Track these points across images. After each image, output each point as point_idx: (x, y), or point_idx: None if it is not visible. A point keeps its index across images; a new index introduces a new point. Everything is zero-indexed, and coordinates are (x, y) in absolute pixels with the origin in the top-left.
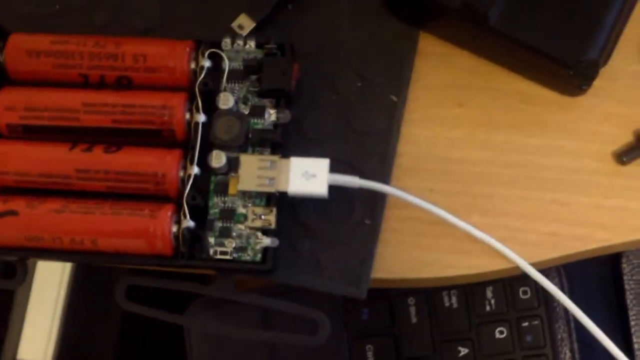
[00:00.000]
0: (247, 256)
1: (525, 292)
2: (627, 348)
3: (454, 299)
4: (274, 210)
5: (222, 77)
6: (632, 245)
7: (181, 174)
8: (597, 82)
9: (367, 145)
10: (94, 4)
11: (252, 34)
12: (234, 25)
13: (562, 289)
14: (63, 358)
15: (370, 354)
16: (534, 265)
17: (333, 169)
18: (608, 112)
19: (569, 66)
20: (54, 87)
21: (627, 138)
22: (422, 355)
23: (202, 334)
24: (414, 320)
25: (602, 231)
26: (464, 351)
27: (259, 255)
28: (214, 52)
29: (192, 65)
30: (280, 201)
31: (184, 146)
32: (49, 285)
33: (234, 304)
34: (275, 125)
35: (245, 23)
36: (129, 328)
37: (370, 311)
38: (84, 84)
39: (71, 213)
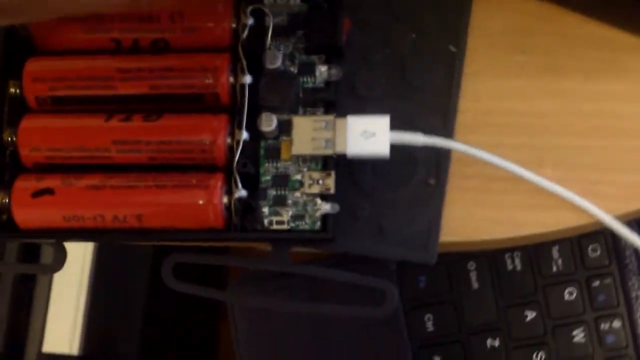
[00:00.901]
0: (305, 225)
1: (594, 250)
2: None
3: (517, 261)
4: (333, 173)
5: (267, 34)
6: None
7: (229, 140)
8: None
9: (426, 101)
10: None
11: None
12: None
13: None
14: (90, 347)
15: (430, 324)
16: (615, 218)
17: (392, 127)
18: None
19: None
20: (85, 55)
21: None
22: (486, 322)
23: (245, 312)
24: (475, 285)
25: None
26: (531, 315)
27: (318, 223)
28: (256, 7)
29: (234, 24)
30: (337, 164)
31: (230, 111)
32: (72, 273)
33: (278, 279)
34: (327, 83)
35: None
36: (154, 313)
37: (428, 279)
38: (116, 49)
39: (112, 188)
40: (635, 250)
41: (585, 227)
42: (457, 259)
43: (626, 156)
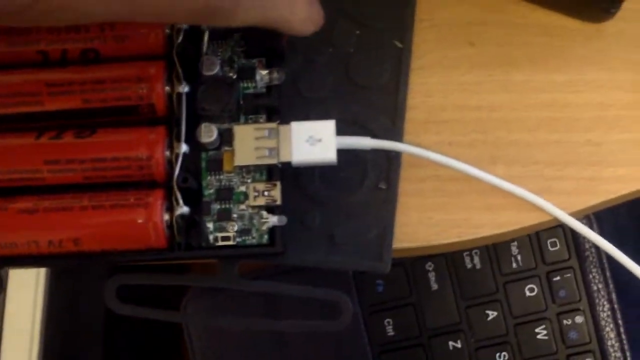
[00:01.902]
0: (252, 239)
1: (553, 244)
2: None
3: (476, 260)
4: (278, 184)
5: (203, 39)
6: None
7: (167, 153)
8: (625, 4)
9: (373, 100)
10: None
11: None
12: None
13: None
14: None
15: (390, 328)
16: (571, 215)
17: (339, 130)
18: (639, 36)
19: None
20: (10, 70)
21: None
22: (447, 323)
23: (200, 329)
24: (434, 286)
25: None
26: (492, 314)
27: (266, 237)
28: None
29: (167, 29)
30: (283, 173)
31: (167, 122)
32: (25, 292)
33: (233, 290)
34: (269, 87)
35: None
36: (115, 326)
37: (386, 282)
38: (44, 62)
39: (45, 212)
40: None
41: (543, 224)
42: (415, 260)
43: (580, 149)
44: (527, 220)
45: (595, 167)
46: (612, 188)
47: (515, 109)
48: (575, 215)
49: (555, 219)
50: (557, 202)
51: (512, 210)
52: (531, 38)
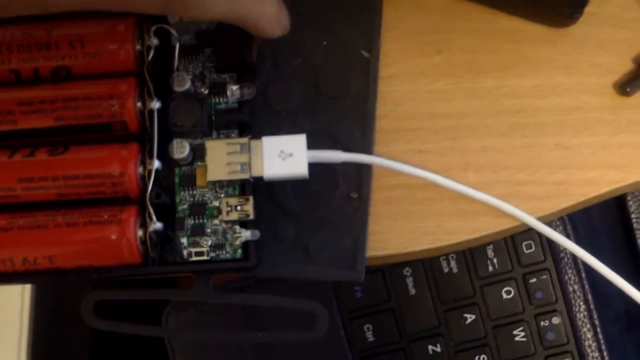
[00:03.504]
0: (226, 254)
1: (529, 246)
2: None
3: (453, 264)
4: (251, 199)
5: (174, 55)
6: None
7: (140, 170)
8: (587, 8)
9: (343, 110)
10: None
11: None
12: None
13: (568, 237)
14: None
15: (370, 334)
16: (542, 219)
17: (309, 142)
18: (603, 40)
19: None
20: None
21: (627, 66)
22: (426, 328)
23: (184, 340)
24: (412, 291)
25: (613, 171)
26: (471, 317)
27: (240, 251)
28: (160, 27)
29: (138, 46)
30: (255, 187)
31: (140, 138)
32: (10, 309)
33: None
34: (240, 102)
35: None
36: (101, 341)
37: (364, 288)
38: (16, 80)
39: (19, 230)
40: None
41: (514, 229)
42: (392, 266)
43: (549, 153)
44: (498, 226)
45: (565, 170)
46: (582, 191)
47: (485, 116)
48: (547, 218)
49: (524, 224)
50: (528, 207)
51: (483, 216)
52: (498, 44)
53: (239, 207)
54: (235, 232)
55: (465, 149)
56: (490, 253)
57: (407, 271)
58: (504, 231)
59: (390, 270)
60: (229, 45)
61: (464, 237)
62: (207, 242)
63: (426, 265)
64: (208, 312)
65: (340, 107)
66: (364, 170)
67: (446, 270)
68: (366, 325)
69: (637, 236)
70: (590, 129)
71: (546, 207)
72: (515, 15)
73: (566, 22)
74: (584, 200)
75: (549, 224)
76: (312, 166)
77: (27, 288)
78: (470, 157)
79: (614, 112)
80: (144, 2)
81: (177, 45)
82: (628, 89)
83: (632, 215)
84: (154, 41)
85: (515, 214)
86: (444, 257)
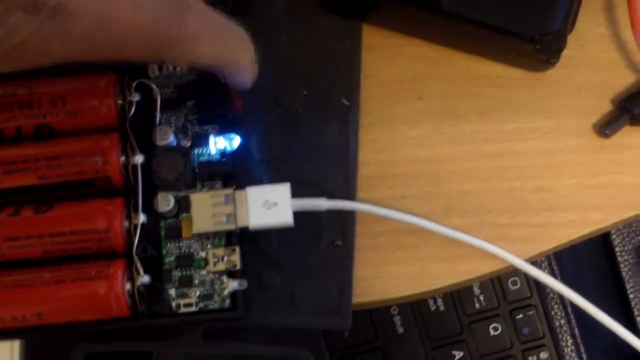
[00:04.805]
0: (214, 304)
1: (514, 283)
2: (629, 321)
3: (440, 302)
4: (237, 249)
5: (155, 109)
6: (628, 222)
7: (126, 224)
8: (565, 52)
9: (325, 159)
10: None
11: None
12: None
13: (553, 274)
14: None
15: None
16: (527, 260)
17: (293, 190)
18: (581, 82)
19: (534, 41)
20: None
21: (605, 107)
22: None
23: None
24: (400, 330)
25: (595, 212)
26: (459, 354)
27: (228, 301)
28: (141, 82)
29: (119, 101)
30: (241, 237)
31: (124, 193)
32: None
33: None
34: (223, 153)
35: None
36: None
37: (352, 328)
38: None
39: (7, 288)
40: None
41: (499, 271)
42: (380, 306)
43: (531, 196)
44: (483, 269)
45: (548, 212)
46: (565, 233)
47: (466, 160)
48: (532, 259)
49: (510, 266)
50: (512, 249)
51: (468, 260)
52: (477, 89)
53: (225, 258)
54: (222, 283)
55: (448, 193)
56: (476, 290)
57: (394, 310)
58: (489, 273)
59: (377, 310)
60: (209, 97)
61: (449, 281)
62: (195, 293)
63: (413, 304)
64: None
65: (322, 155)
66: (347, 218)
67: (433, 308)
68: None
69: (622, 269)
70: (571, 170)
71: (531, 249)
72: (493, 61)
73: (544, 67)
74: (568, 241)
75: (533, 260)
76: (297, 215)
77: (16, 343)
78: (454, 202)
79: (594, 153)
80: (136, 51)
81: (159, 99)
82: (607, 131)
83: (617, 249)
84: (136, 96)
85: (501, 256)
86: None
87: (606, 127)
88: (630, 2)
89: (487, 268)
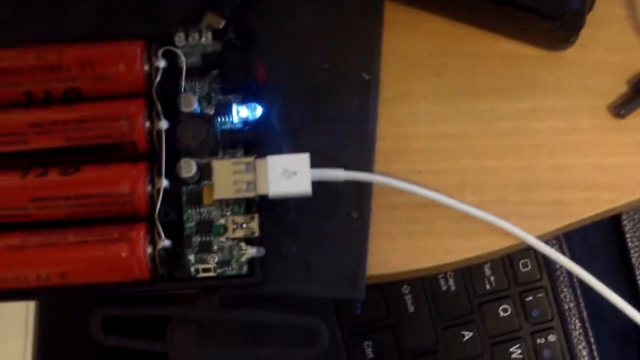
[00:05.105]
0: (232, 270)
1: (525, 265)
2: (637, 306)
3: (451, 282)
4: (256, 216)
5: (181, 77)
6: (639, 203)
7: (149, 188)
8: (582, 32)
9: (344, 131)
10: (22, 15)
11: (209, 27)
12: (202, 27)
13: (564, 255)
14: None
15: (369, 351)
16: (540, 237)
17: (311, 161)
18: (598, 63)
19: (553, 18)
20: None
21: (621, 88)
22: (425, 344)
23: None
24: (411, 309)
25: (607, 192)
26: (468, 335)
27: (245, 268)
28: (168, 49)
29: (146, 67)
30: (261, 205)
31: (149, 158)
32: (14, 327)
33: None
34: (245, 122)
35: (214, 22)
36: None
37: (364, 305)
38: (28, 101)
39: (33, 247)
40: None
41: (512, 247)
42: (392, 283)
43: (545, 174)
44: (496, 245)
45: (561, 190)
46: (578, 210)
47: (482, 137)
48: (544, 237)
49: (523, 242)
50: (525, 226)
51: (481, 235)
52: (495, 68)
53: (244, 225)
54: (241, 249)
55: (463, 169)
56: (487, 271)
57: (405, 289)
58: (502, 249)
59: (389, 288)
60: (233, 67)
61: (462, 256)
62: (214, 259)
63: (425, 283)
64: (211, 327)
65: (341, 128)
66: (364, 190)
67: (444, 288)
68: (366, 342)
69: (632, 255)
70: (586, 150)
71: (544, 226)
72: (511, 39)
73: (562, 46)
74: (580, 220)
75: (545, 242)
76: (315, 186)
77: (31, 305)
78: (468, 178)
79: (608, 133)
80: None
81: (184, 67)
82: (622, 112)
83: (627, 235)
84: (162, 63)
85: (514, 233)
86: (442, 275)
87: (621, 108)
88: None
89: (500, 244)
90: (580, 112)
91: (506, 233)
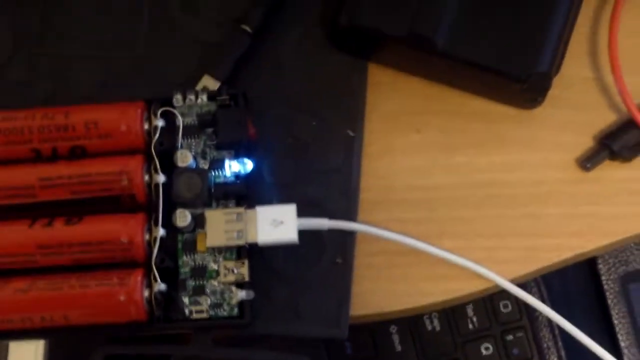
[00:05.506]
0: (223, 312)
1: (506, 306)
2: (613, 348)
3: (435, 322)
4: (246, 262)
5: (178, 135)
6: (606, 249)
7: (147, 237)
8: (551, 92)
9: (330, 183)
10: (32, 77)
11: (205, 90)
12: (198, 89)
13: (542, 298)
14: None
15: None
16: (512, 281)
17: (299, 211)
18: (566, 121)
19: (520, 81)
20: (6, 165)
21: (587, 144)
22: None
23: None
24: (398, 348)
25: (575, 239)
26: None
27: (236, 310)
28: (166, 110)
29: (146, 126)
30: (250, 252)
31: (147, 209)
32: None
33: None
34: (237, 176)
35: (209, 84)
36: None
37: (353, 345)
38: (36, 157)
39: (38, 291)
40: None
41: (485, 291)
42: (380, 324)
43: (518, 222)
44: (469, 287)
45: (532, 237)
46: (547, 256)
47: (459, 189)
48: (518, 280)
49: (497, 286)
50: (500, 270)
51: (458, 279)
52: (471, 124)
53: (235, 270)
54: (232, 292)
55: (441, 218)
56: (470, 312)
57: (393, 328)
58: (477, 292)
59: (377, 328)
60: (227, 126)
61: (438, 298)
62: (206, 301)
63: (411, 323)
64: None
65: (327, 180)
66: (348, 238)
67: (429, 328)
68: None
69: (608, 297)
70: (555, 200)
71: (515, 270)
72: (485, 98)
73: (531, 105)
74: (550, 264)
75: (525, 286)
76: (302, 234)
77: (40, 345)
78: (446, 227)
79: (576, 185)
80: None
81: (181, 126)
82: (588, 165)
83: (602, 277)
84: (160, 122)
85: (487, 276)
86: (427, 316)
87: (588, 162)
88: (611, 50)
89: (474, 287)
90: (550, 165)
91: (480, 277)
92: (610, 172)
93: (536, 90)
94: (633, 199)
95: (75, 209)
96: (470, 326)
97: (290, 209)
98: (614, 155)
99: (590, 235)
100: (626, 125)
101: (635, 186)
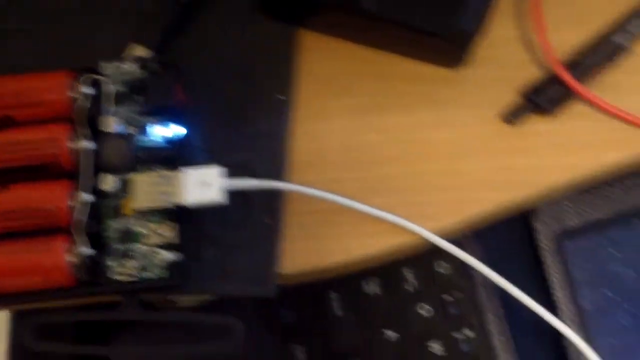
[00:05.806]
0: (151, 274)
1: (440, 266)
2: (549, 303)
3: (372, 286)
4: (174, 224)
5: (103, 102)
6: (531, 201)
7: (71, 203)
8: (479, 52)
9: (260, 147)
10: None
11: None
12: (126, 56)
13: (478, 257)
14: None
15: (302, 356)
16: (438, 233)
17: (230, 174)
18: (493, 78)
19: (443, 39)
20: None
21: (512, 99)
22: (354, 347)
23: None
24: (338, 313)
25: (496, 192)
26: (394, 336)
27: (166, 272)
28: (97, 79)
29: (74, 94)
30: (178, 214)
31: (74, 176)
32: None
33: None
34: (168, 141)
35: (141, 53)
36: None
37: (294, 313)
38: None
39: None
40: None
41: (416, 245)
42: (319, 291)
43: (439, 178)
44: (399, 242)
45: (456, 191)
46: (471, 208)
47: (390, 148)
48: (441, 233)
49: (423, 238)
50: (425, 224)
51: (385, 234)
52: (401, 85)
53: (163, 233)
54: (159, 255)
55: (372, 177)
56: (408, 275)
57: (332, 295)
58: (405, 246)
59: (317, 295)
60: (156, 92)
61: (367, 251)
62: (133, 264)
63: (349, 288)
64: (155, 332)
65: (258, 144)
66: (276, 199)
67: (368, 291)
68: (298, 347)
69: (542, 254)
70: (480, 154)
71: (442, 224)
72: (415, 59)
73: (458, 63)
74: (474, 216)
75: (459, 244)
76: (231, 196)
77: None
78: (376, 184)
79: (501, 139)
80: None
81: (108, 93)
82: (512, 119)
83: (537, 235)
84: (87, 90)
85: (414, 230)
86: (365, 280)
87: (512, 116)
88: (535, 7)
89: (403, 241)
90: (476, 121)
91: (408, 231)
92: (535, 126)
93: (459, 48)
94: (555, 151)
95: (3, 178)
96: (408, 288)
97: (216, 171)
98: (538, 109)
99: (512, 187)
100: (550, 81)
101: (558, 139)
